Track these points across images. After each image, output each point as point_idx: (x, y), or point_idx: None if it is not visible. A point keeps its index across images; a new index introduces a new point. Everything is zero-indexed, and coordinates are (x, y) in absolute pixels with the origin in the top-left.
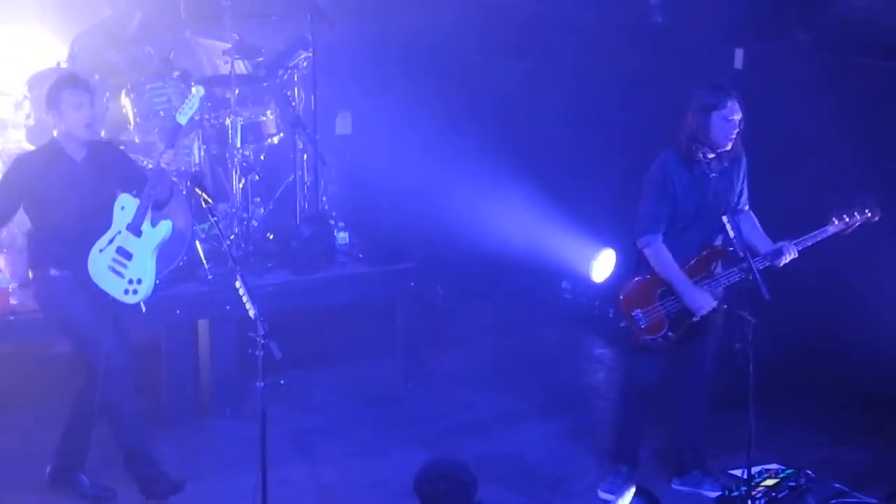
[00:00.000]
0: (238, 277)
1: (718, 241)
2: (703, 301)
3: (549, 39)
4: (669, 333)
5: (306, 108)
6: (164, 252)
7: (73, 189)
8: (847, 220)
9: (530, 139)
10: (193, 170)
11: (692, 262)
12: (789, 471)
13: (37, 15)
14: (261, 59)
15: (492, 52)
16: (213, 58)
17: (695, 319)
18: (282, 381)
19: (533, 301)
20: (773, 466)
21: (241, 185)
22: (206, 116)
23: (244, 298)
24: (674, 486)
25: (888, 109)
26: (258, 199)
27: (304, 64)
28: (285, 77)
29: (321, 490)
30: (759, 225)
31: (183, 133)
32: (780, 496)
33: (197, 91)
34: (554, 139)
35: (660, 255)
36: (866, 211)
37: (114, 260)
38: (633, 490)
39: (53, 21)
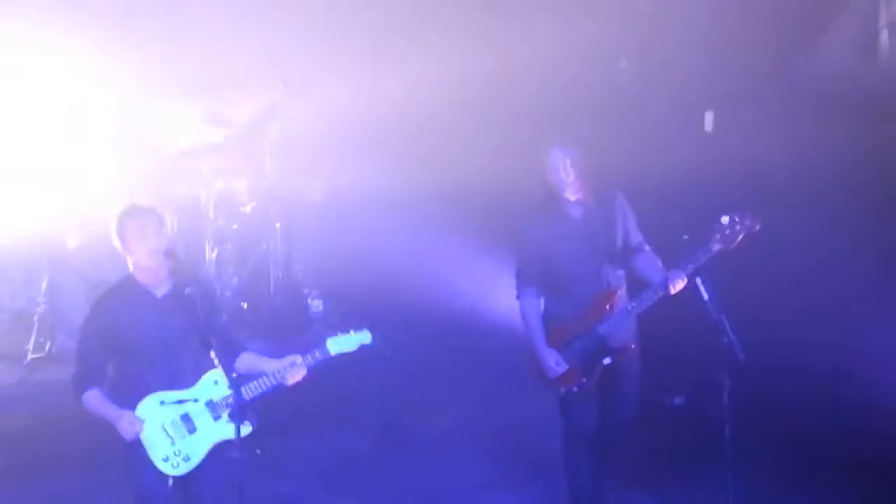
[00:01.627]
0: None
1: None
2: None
3: (520, 106)
4: (584, 380)
5: (279, 177)
6: None
7: (157, 327)
8: (728, 233)
9: (507, 207)
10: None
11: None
12: None
13: None
14: (232, 129)
15: (465, 119)
16: (186, 130)
17: (605, 363)
18: (258, 451)
19: (510, 364)
20: None
21: (214, 255)
22: (180, 188)
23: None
24: None
25: (868, 170)
26: (231, 269)
27: (275, 133)
28: (257, 146)
29: None
30: (659, 264)
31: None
32: None
33: (365, 337)
34: (531, 206)
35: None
36: (746, 222)
37: (173, 423)
38: None
39: None
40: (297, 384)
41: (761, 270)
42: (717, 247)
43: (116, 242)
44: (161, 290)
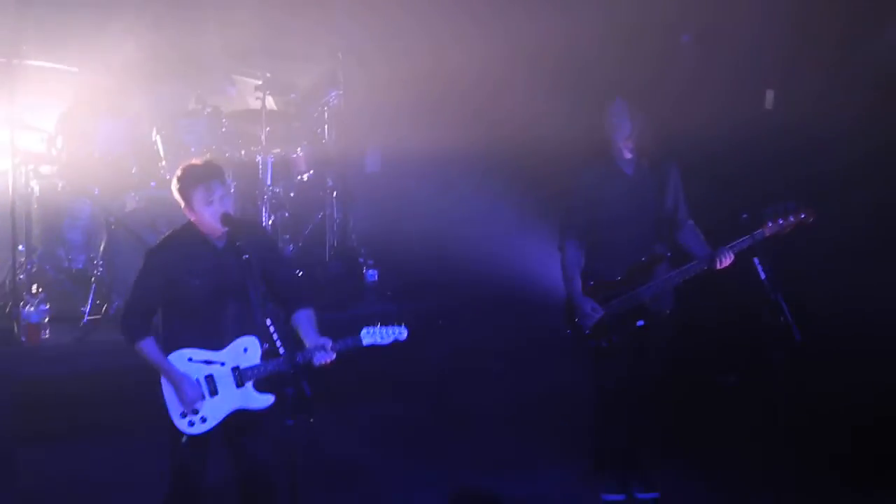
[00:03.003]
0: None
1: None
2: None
3: (581, 76)
4: (614, 337)
5: (336, 146)
6: None
7: (212, 277)
8: (781, 221)
9: (565, 176)
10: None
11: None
12: None
13: (71, 52)
14: (292, 95)
15: (524, 87)
16: (244, 94)
17: (638, 324)
18: (311, 419)
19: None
20: None
21: (270, 222)
22: (237, 153)
23: (273, 338)
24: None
25: None
26: (287, 236)
27: (335, 101)
28: (316, 115)
29: None
30: (702, 238)
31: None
32: None
33: (400, 333)
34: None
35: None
36: (801, 213)
37: (196, 381)
38: None
39: (88, 59)
40: (346, 356)
41: (818, 250)
42: (768, 233)
43: (178, 199)
44: (220, 243)
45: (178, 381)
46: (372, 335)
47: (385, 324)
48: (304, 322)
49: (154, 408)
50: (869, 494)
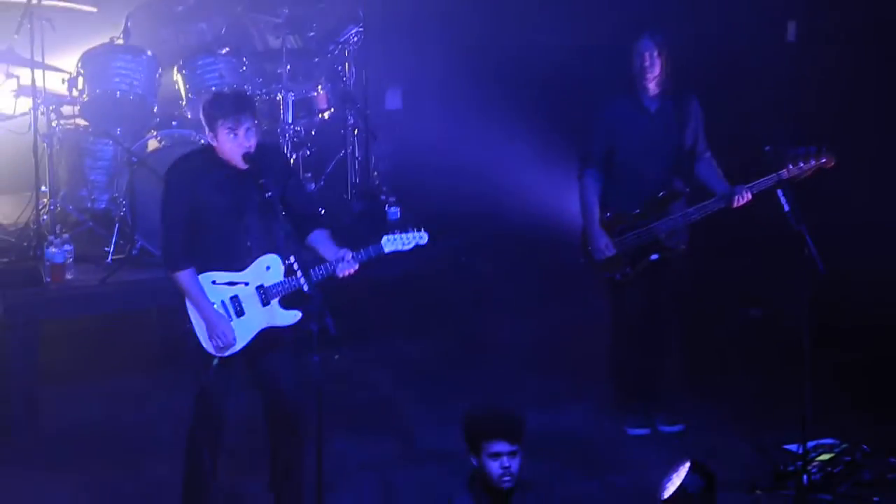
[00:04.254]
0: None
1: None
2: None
3: (600, 12)
4: (628, 270)
5: (357, 83)
6: None
7: (232, 195)
8: (802, 165)
9: (583, 115)
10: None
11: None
12: (844, 445)
13: None
14: (312, 33)
15: (543, 23)
16: (264, 33)
17: (652, 258)
18: (336, 356)
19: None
20: (829, 441)
21: (292, 161)
22: (258, 92)
23: (298, 273)
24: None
25: None
26: (309, 175)
27: (355, 39)
28: (336, 52)
29: (377, 464)
30: (720, 172)
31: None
32: (835, 471)
33: (421, 237)
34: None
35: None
36: (822, 157)
37: (222, 303)
38: (687, 465)
39: None
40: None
41: (843, 183)
42: (787, 175)
43: (204, 124)
44: (239, 167)
45: (213, 322)
46: (393, 242)
47: (404, 230)
48: (321, 239)
49: (177, 346)
50: (889, 424)
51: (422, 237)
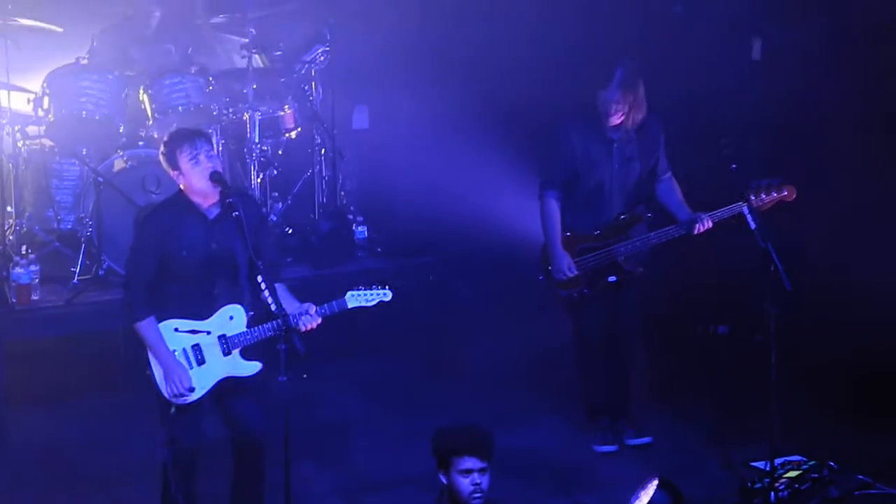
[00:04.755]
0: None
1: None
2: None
3: (567, 31)
4: (586, 291)
5: (324, 103)
6: None
7: (203, 247)
8: (764, 196)
9: (547, 131)
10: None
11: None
12: (812, 462)
13: (56, 12)
14: (278, 53)
15: (509, 44)
16: (230, 53)
17: (610, 280)
18: (305, 376)
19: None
20: (796, 458)
21: (259, 181)
22: (224, 111)
23: (266, 293)
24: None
25: None
26: (276, 194)
27: (322, 58)
28: (303, 71)
29: (345, 485)
30: (679, 194)
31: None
32: (802, 488)
33: (385, 295)
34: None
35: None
36: (783, 190)
37: (183, 351)
38: (655, 483)
39: (73, 18)
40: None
41: (808, 201)
42: (746, 208)
43: (167, 166)
44: (211, 213)
45: (170, 369)
46: (357, 298)
47: (369, 287)
48: (282, 294)
49: (144, 367)
50: (859, 437)
51: (385, 294)
